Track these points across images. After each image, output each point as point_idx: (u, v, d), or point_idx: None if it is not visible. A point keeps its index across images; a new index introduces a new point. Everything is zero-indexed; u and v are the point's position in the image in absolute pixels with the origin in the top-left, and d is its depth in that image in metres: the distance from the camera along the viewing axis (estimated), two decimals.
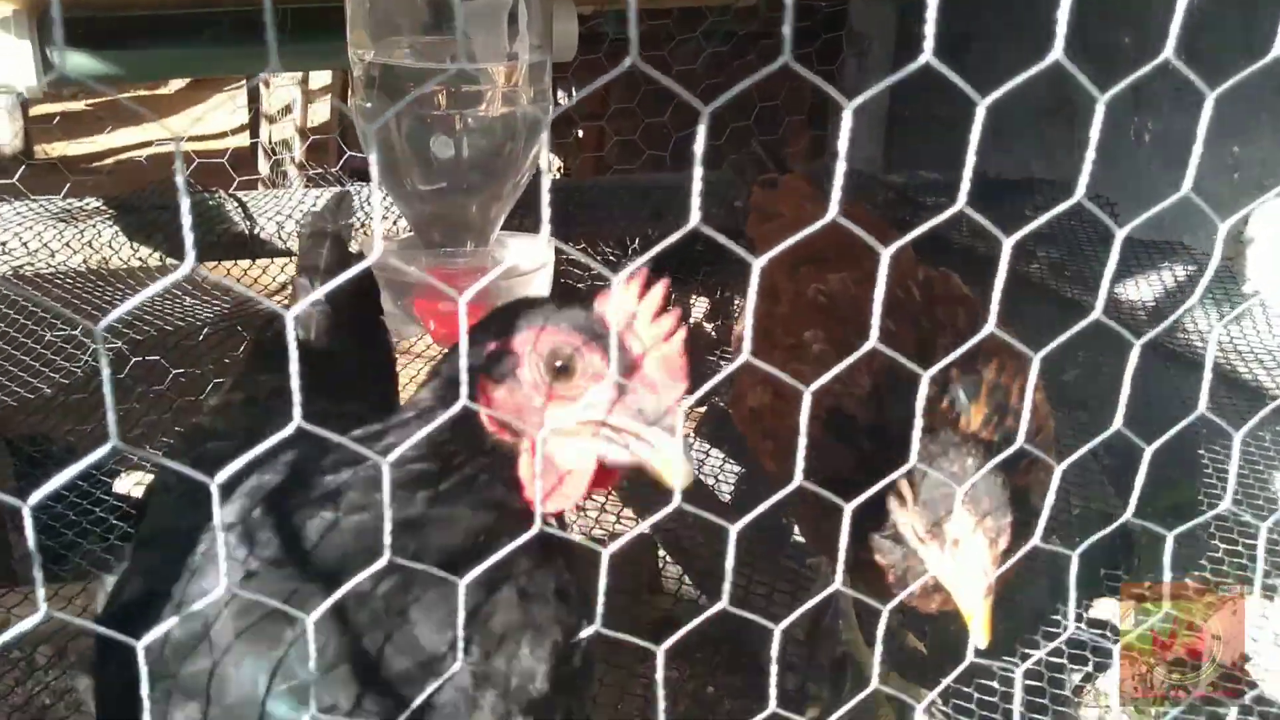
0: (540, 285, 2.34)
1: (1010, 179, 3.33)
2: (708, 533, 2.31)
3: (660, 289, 1.05)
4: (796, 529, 2.39)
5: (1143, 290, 2.94)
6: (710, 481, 2.62)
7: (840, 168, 1.09)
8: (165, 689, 1.06)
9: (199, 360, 2.85)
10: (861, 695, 1.50)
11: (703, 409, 3.13)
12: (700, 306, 3.77)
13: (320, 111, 5.42)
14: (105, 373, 0.73)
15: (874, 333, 1.06)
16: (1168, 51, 1.20)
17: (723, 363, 3.30)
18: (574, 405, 1.02)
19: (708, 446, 2.80)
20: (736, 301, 3.75)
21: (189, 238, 0.77)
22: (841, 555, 1.13)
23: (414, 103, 2.07)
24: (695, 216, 0.98)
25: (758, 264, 1.04)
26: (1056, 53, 1.05)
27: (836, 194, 1.07)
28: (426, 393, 1.11)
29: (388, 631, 1.03)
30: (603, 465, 1.06)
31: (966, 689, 1.94)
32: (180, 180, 0.74)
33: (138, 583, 1.18)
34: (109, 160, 5.77)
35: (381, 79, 2.08)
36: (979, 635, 1.45)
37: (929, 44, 1.02)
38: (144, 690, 0.91)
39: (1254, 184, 2.88)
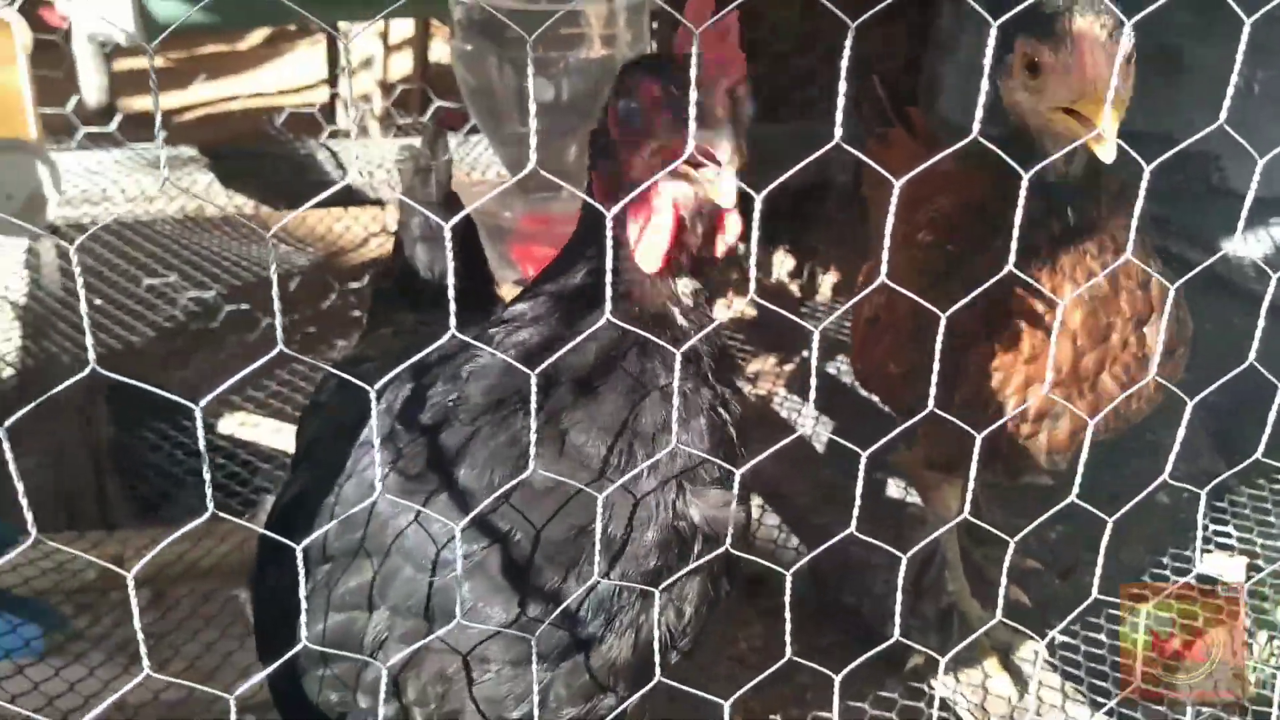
0: None
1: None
2: (806, 478, 2.29)
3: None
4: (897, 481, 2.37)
5: (1252, 247, 2.86)
6: (807, 433, 2.59)
7: (984, 85, 1.06)
8: (328, 571, 1.13)
9: (290, 309, 2.88)
10: (984, 629, 1.47)
11: (791, 365, 3.11)
12: (785, 265, 3.74)
13: (400, 64, 5.42)
14: (273, 271, 0.73)
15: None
16: None
17: (808, 323, 3.27)
18: (655, 157, 1.03)
19: (800, 402, 2.77)
20: (820, 257, 3.71)
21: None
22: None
23: (515, 45, 2.06)
24: (838, 132, 0.95)
25: (899, 184, 1.02)
26: None
27: (979, 114, 1.04)
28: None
29: (549, 454, 1.07)
30: (680, 215, 1.06)
31: (1074, 641, 1.91)
32: None
33: (296, 489, 1.24)
34: (192, 115, 5.83)
35: (481, 21, 2.07)
36: (1107, 149, 1.36)
37: None
38: (302, 589, 0.95)
39: None
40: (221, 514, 0.84)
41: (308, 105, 3.24)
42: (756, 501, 2.28)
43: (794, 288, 3.74)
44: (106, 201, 2.82)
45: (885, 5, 1.09)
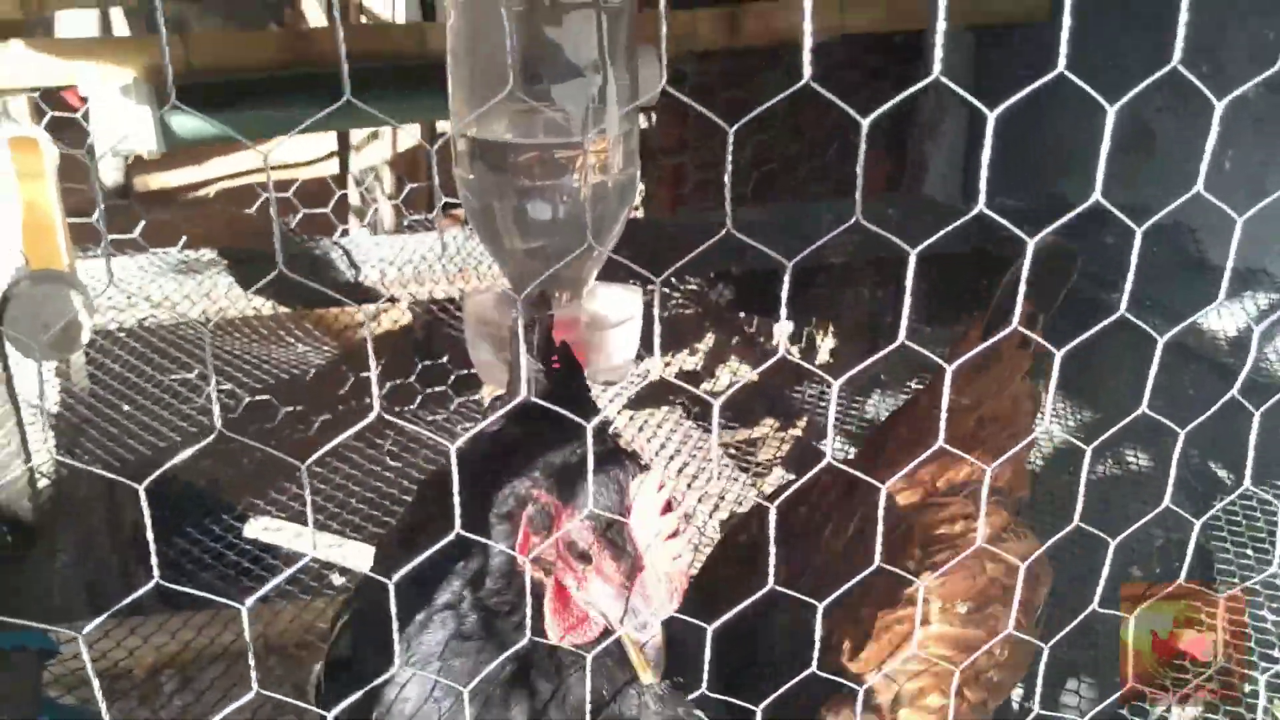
0: (628, 336, 2.46)
1: (1092, 207, 3.32)
2: None
3: (668, 490, 1.14)
4: None
5: (1224, 319, 2.96)
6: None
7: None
8: None
9: (308, 400, 3.03)
10: None
11: (793, 432, 3.23)
12: (783, 330, 3.87)
13: (408, 137, 5.60)
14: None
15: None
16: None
17: (806, 387, 3.40)
18: (587, 584, 1.14)
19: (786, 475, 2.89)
20: (819, 323, 3.85)
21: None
22: None
23: (513, 171, 2.21)
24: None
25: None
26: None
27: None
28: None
29: None
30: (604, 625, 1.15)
31: None
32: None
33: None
34: (205, 190, 6.02)
35: (483, 152, 2.21)
36: None
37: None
38: None
39: None
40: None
41: (310, 183, 3.38)
42: None
43: (794, 353, 3.88)
44: (131, 307, 2.96)
45: (868, 90, 1.19)
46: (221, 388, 2.98)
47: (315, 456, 0.90)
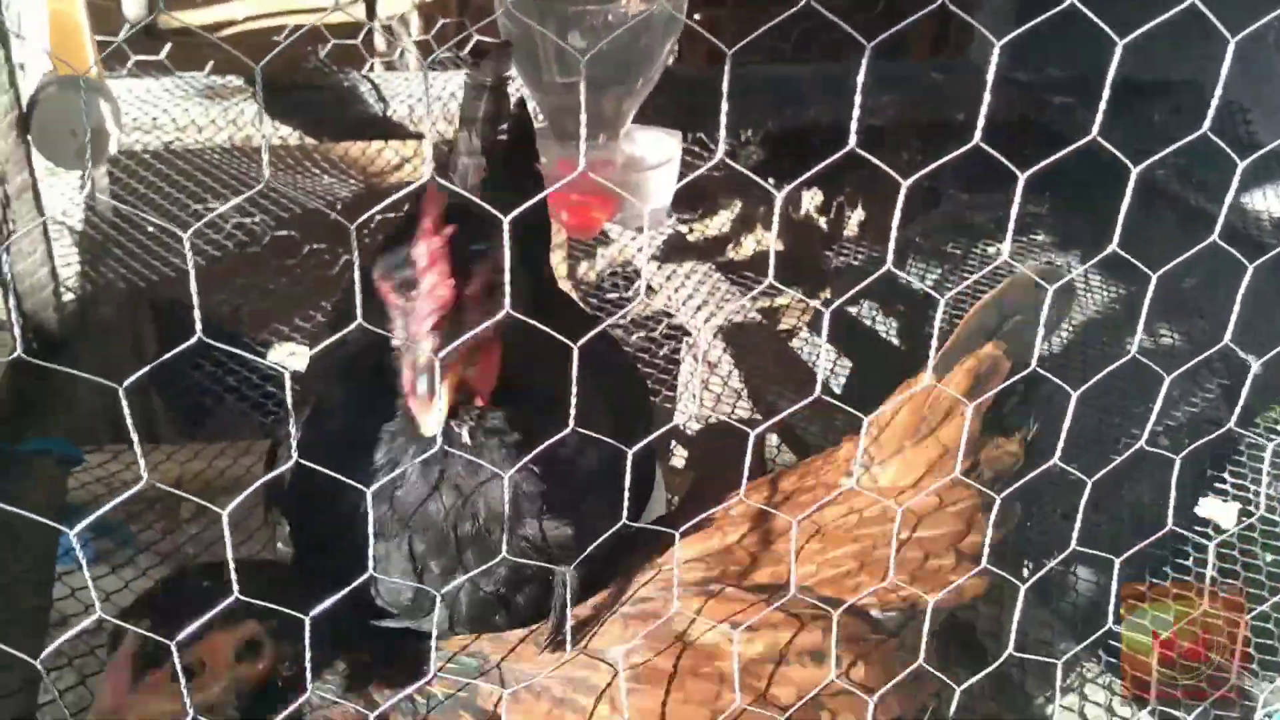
0: (666, 179, 2.41)
1: (1140, 81, 3.25)
2: (820, 421, 2.39)
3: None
4: None
5: (1270, 200, 2.90)
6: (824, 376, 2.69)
7: None
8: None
9: (332, 236, 2.99)
10: None
11: (816, 301, 3.19)
12: (812, 199, 3.80)
13: None
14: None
15: None
16: None
17: (834, 258, 3.35)
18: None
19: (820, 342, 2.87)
20: (848, 194, 3.78)
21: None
22: None
23: None
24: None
25: None
26: None
27: None
28: None
29: None
30: None
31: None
32: None
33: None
34: (230, 30, 5.88)
35: None
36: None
37: None
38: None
39: None
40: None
41: (339, 28, 3.29)
42: (773, 441, 2.39)
43: (821, 223, 3.82)
44: (157, 130, 2.92)
45: None
46: (246, 218, 2.93)
47: (366, 216, 0.86)
